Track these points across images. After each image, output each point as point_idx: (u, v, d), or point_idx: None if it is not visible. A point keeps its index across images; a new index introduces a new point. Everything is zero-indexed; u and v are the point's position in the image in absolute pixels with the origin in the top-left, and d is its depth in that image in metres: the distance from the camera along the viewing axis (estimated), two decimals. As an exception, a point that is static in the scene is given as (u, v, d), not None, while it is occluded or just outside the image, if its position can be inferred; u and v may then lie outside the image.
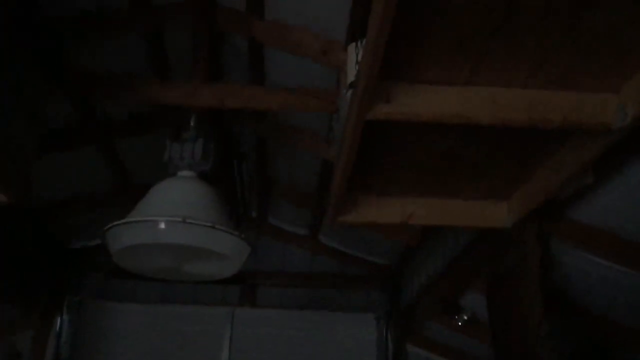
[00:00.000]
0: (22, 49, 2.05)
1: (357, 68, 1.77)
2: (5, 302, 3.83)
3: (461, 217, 2.28)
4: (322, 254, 4.62)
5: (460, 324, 3.50)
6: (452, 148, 1.93)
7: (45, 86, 2.26)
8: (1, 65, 1.67)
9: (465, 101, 1.64)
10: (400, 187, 2.27)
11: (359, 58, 1.79)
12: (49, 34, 2.35)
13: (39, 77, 2.23)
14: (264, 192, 4.22)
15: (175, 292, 4.44)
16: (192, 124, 2.50)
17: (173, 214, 2.15)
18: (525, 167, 2.06)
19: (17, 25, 1.95)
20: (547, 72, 1.58)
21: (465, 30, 1.41)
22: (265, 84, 2.97)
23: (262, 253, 4.48)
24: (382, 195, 2.34)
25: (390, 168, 2.13)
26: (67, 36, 2.43)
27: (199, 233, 2.12)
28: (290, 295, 4.60)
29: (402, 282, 4.21)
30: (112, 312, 4.41)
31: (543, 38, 1.45)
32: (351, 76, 1.86)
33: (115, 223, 2.19)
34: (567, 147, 1.88)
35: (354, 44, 1.93)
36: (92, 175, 3.67)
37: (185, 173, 2.43)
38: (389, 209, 2.32)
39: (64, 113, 2.91)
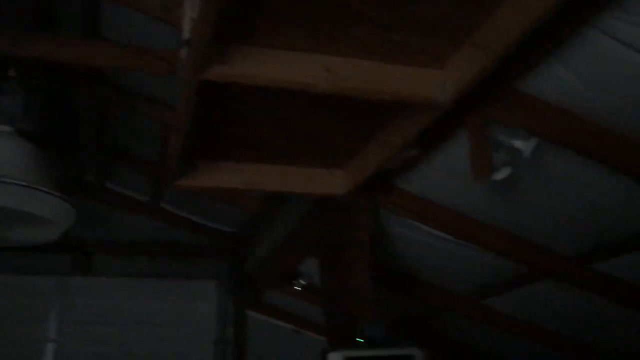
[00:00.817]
0: None
1: (192, 25, 1.70)
2: None
3: (298, 184, 2.32)
4: (165, 221, 4.48)
5: (298, 289, 3.60)
6: (290, 116, 1.94)
7: None
8: None
9: (302, 68, 1.65)
10: (239, 153, 2.25)
11: (194, 15, 1.73)
12: None
13: None
14: (104, 156, 3.98)
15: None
16: (11, 74, 2.26)
17: (-15, 172, 1.95)
18: (359, 139, 2.13)
19: None
20: (382, 46, 1.64)
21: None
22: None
23: (99, 220, 4.24)
24: (222, 161, 2.31)
25: (230, 134, 2.10)
26: None
27: (14, 193, 1.93)
28: (130, 264, 4.41)
29: (245, 250, 4.22)
30: None
31: (378, 12, 1.48)
32: (187, 33, 1.79)
33: None
34: (397, 121, 1.97)
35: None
36: None
37: (3, 128, 2.20)
38: (229, 175, 2.29)
39: None
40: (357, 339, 2.05)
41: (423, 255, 2.92)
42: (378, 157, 2.10)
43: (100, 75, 3.13)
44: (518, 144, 1.82)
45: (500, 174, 1.83)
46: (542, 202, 2.17)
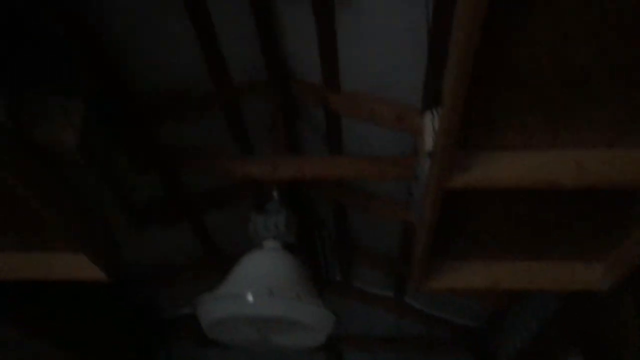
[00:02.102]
0: (107, 134, 2.21)
1: (434, 137, 1.79)
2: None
3: (550, 281, 2.20)
4: (408, 316, 4.53)
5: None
6: (536, 212, 1.89)
7: (132, 166, 2.41)
8: (89, 153, 1.81)
9: (546, 165, 1.62)
10: (484, 251, 2.23)
11: (436, 126, 1.82)
12: (135, 115, 2.52)
13: (125, 158, 2.40)
14: (346, 256, 4.23)
15: (261, 358, 4.45)
16: (274, 196, 2.58)
17: (260, 286, 2.20)
18: (619, 229, 1.97)
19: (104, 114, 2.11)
20: (633, 130, 1.54)
21: (544, 94, 1.41)
22: (342, 154, 3.03)
23: (347, 317, 4.44)
24: (467, 260, 2.31)
25: (473, 233, 2.11)
26: (152, 116, 2.60)
27: (286, 305, 2.15)
28: (377, 359, 4.51)
29: (492, 345, 4.04)
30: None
31: (628, 93, 1.41)
32: (429, 145, 1.89)
33: (205, 296, 2.27)
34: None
35: (429, 112, 1.96)
36: (180, 248, 3.82)
37: (269, 244, 2.49)
38: (475, 274, 2.28)
39: (152, 190, 3.08)
40: None
41: None
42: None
43: (338, 181, 3.39)
44: None
45: None
46: None
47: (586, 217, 1.92)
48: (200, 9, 2.14)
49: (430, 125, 1.86)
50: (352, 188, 3.42)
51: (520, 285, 2.24)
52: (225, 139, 2.96)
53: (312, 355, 4.44)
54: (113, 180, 2.42)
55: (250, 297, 2.18)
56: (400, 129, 2.62)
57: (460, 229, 2.09)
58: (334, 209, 3.75)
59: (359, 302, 4.63)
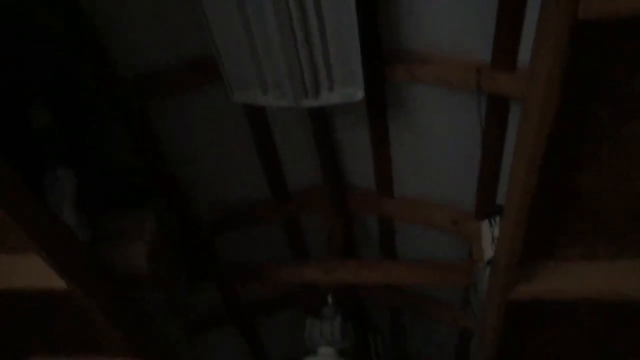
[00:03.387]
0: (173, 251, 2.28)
1: (494, 247, 1.78)
2: None
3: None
4: None
5: None
6: (605, 326, 1.82)
7: (193, 284, 2.46)
8: (157, 276, 1.87)
9: (613, 275, 1.58)
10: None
11: (495, 235, 1.82)
12: (196, 232, 2.61)
13: (187, 272, 2.45)
14: (401, 362, 4.09)
15: None
16: (330, 301, 2.57)
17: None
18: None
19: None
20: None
21: (606, 213, 1.41)
22: (397, 258, 3.02)
23: None
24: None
25: (538, 344, 2.03)
26: (212, 230, 2.68)
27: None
28: None
29: None
30: None
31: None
32: (488, 253, 1.88)
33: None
34: None
35: (487, 220, 1.96)
36: (234, 355, 3.79)
37: (325, 350, 2.46)
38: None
39: (210, 299, 3.12)
40: None
41: None
42: None
43: (393, 287, 3.35)
44: None
45: None
46: None
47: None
48: (261, 123, 2.25)
49: (488, 234, 1.86)
50: (408, 292, 3.37)
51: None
52: (283, 250, 3.01)
53: None
54: (174, 291, 2.46)
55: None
56: (455, 233, 2.61)
57: (524, 344, 2.02)
58: (390, 314, 3.69)
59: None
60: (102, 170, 2.02)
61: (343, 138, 2.49)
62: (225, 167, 2.50)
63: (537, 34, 1.06)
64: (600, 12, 0.95)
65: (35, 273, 1.67)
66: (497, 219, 1.82)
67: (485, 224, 1.96)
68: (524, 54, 1.68)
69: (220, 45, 1.65)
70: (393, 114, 2.21)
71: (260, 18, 1.57)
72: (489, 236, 1.87)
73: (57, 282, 1.66)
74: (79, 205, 1.76)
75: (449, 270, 2.52)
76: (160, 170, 2.30)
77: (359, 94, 1.72)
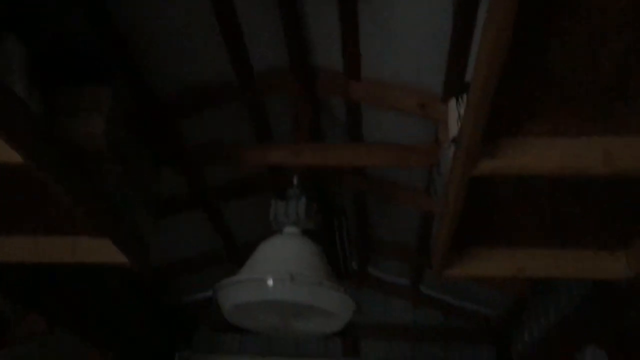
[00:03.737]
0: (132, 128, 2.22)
1: (459, 124, 1.78)
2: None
3: (574, 269, 2.18)
4: (424, 305, 4.53)
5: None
6: (563, 201, 1.87)
7: (155, 161, 2.43)
8: (114, 143, 1.83)
9: (575, 152, 1.60)
10: (508, 239, 2.21)
11: (461, 114, 1.81)
12: (158, 113, 2.54)
13: (149, 154, 2.41)
14: (364, 245, 4.23)
15: (280, 345, 4.49)
16: (295, 182, 2.58)
17: (281, 271, 2.21)
18: (644, 217, 1.95)
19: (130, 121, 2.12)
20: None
21: (574, 88, 1.39)
22: (363, 142, 3.02)
23: (364, 305, 4.43)
24: (490, 248, 2.29)
25: (497, 221, 2.09)
26: (174, 112, 2.61)
27: (307, 290, 2.16)
28: (394, 348, 4.52)
29: (512, 336, 4.03)
30: (218, 364, 4.52)
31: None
32: (453, 131, 1.87)
33: (226, 281, 2.28)
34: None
35: (454, 99, 1.95)
36: (198, 238, 3.85)
37: (290, 230, 2.50)
38: (498, 262, 2.26)
39: (174, 182, 3.10)
40: None
41: None
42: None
43: (358, 170, 3.39)
44: None
45: None
46: None
47: (612, 207, 1.89)
48: (225, 1, 2.14)
49: (455, 112, 1.85)
50: (372, 177, 3.42)
51: (544, 273, 2.22)
52: (247, 132, 2.97)
53: (328, 342, 4.47)
54: (137, 172, 2.43)
55: (270, 282, 2.20)
56: (422, 116, 2.60)
57: (484, 218, 2.08)
58: (354, 198, 3.75)
59: (375, 291, 4.63)
60: (57, 43, 1.92)
61: (310, 18, 2.40)
62: (187, 48, 2.41)
63: None
64: None
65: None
66: (464, 97, 1.80)
67: (452, 103, 1.94)
68: None
69: None
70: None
71: None
72: (455, 114, 1.86)
73: (12, 156, 1.61)
74: (31, 79, 1.68)
75: (413, 151, 2.54)
76: (120, 49, 2.20)
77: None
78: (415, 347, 4.49)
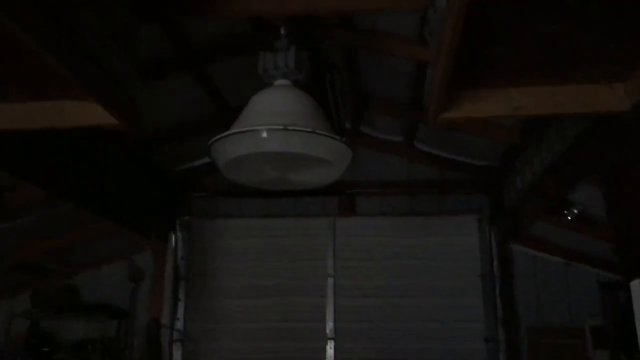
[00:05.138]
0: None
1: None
2: (125, 226, 4.11)
3: (573, 104, 2.14)
4: (419, 160, 4.57)
5: (570, 219, 3.39)
6: (562, 31, 1.78)
7: (133, 17, 2.28)
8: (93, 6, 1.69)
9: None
10: (505, 77, 2.15)
11: None
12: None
13: (126, 10, 2.25)
14: (357, 102, 4.16)
15: (277, 206, 4.58)
16: (282, 32, 2.46)
17: (273, 122, 2.17)
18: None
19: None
20: None
21: None
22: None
23: (358, 163, 4.48)
24: (486, 88, 2.23)
25: (494, 57, 2.01)
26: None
27: (301, 139, 2.13)
28: (390, 203, 4.62)
29: (505, 183, 4.10)
30: (220, 228, 4.64)
31: None
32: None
33: (219, 136, 2.25)
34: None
35: None
36: (190, 103, 3.77)
37: (281, 82, 2.42)
38: (494, 102, 2.21)
39: (157, 44, 2.96)
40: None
41: None
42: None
43: (348, 22, 3.23)
44: None
45: None
46: None
47: (611, 37, 1.82)
48: None
49: None
50: (363, 28, 3.27)
51: (543, 110, 2.18)
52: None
53: (325, 200, 4.55)
54: (116, 27, 2.29)
55: (264, 134, 2.16)
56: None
57: (481, 55, 2.00)
58: (344, 53, 3.63)
59: (369, 149, 4.65)
60: None
61: None
62: None
63: None
64: None
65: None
66: None
67: None
68: None
69: None
70: None
71: None
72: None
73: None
74: None
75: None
76: None
77: None
78: (411, 201, 4.59)
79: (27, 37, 1.69)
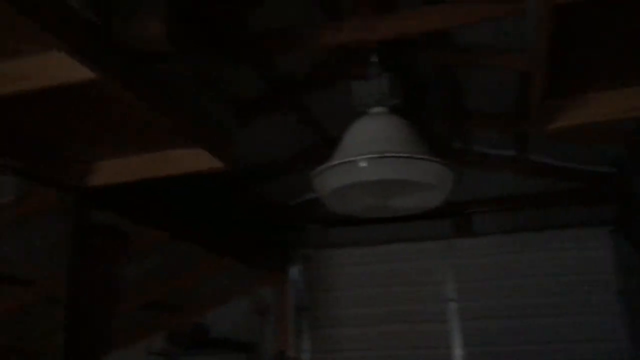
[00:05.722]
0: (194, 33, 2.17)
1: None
2: (244, 261, 4.26)
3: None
4: (533, 172, 4.33)
5: None
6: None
7: (221, 58, 2.38)
8: (177, 42, 1.78)
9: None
10: (607, 79, 2.00)
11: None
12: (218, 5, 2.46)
13: (214, 51, 2.36)
14: (461, 119, 4.05)
15: (392, 231, 4.53)
16: (373, 59, 2.46)
17: (371, 150, 2.16)
18: None
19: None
20: None
21: None
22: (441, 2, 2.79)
23: (471, 181, 4.33)
24: (589, 92, 2.08)
25: (598, 57, 1.88)
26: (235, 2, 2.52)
27: (400, 165, 2.10)
28: (508, 219, 4.42)
29: (633, 188, 3.77)
30: (336, 257, 4.68)
31: None
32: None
33: (319, 169, 2.27)
34: None
35: None
36: (293, 136, 3.86)
37: (376, 110, 2.41)
38: (603, 105, 2.06)
39: (251, 83, 3.08)
40: None
41: None
42: None
43: (442, 40, 3.16)
44: None
45: None
46: None
47: None
48: None
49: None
50: (457, 44, 3.19)
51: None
52: (314, 13, 2.83)
53: (440, 222, 4.44)
54: (210, 75, 2.41)
55: (363, 162, 2.15)
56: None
57: (582, 59, 1.88)
58: (441, 71, 3.55)
59: (480, 165, 4.48)
60: None
61: None
62: None
63: None
64: None
65: (59, 68, 1.64)
66: None
67: None
68: None
69: None
70: None
71: None
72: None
73: (83, 72, 1.63)
74: None
75: (498, 1, 2.30)
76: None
77: None
78: (531, 216, 4.36)
79: (127, 94, 1.82)
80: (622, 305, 3.94)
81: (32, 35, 1.54)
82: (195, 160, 2.40)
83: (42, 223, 2.94)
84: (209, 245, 3.83)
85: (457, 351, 4.21)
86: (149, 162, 2.51)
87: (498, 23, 2.66)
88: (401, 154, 2.10)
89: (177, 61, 1.89)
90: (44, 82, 1.68)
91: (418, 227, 4.46)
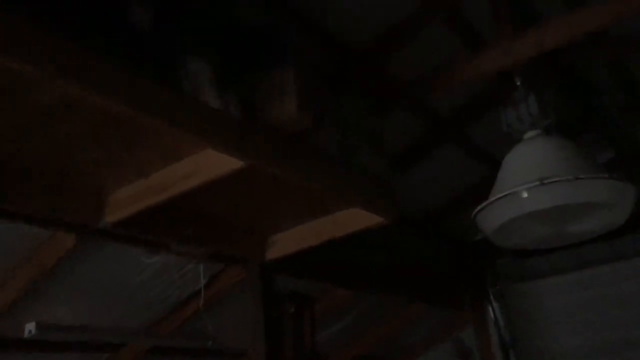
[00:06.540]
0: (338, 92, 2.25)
1: None
2: (436, 305, 4.18)
3: None
4: None
5: None
6: None
7: (373, 111, 2.43)
8: (314, 115, 1.87)
9: None
10: None
11: None
12: (360, 65, 2.54)
13: (368, 113, 2.42)
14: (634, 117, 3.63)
15: (589, 253, 4.14)
16: (517, 82, 2.34)
17: (530, 179, 2.03)
18: None
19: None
20: None
21: None
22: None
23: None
24: None
25: None
26: (375, 54, 2.59)
27: (562, 189, 1.94)
28: None
29: None
30: (533, 288, 4.41)
31: None
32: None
33: (480, 207, 2.19)
34: None
35: None
36: (463, 170, 3.78)
37: (530, 134, 2.28)
38: None
39: (409, 127, 3.10)
40: None
41: None
42: None
43: (597, 38, 2.89)
44: None
45: None
46: None
47: None
48: None
49: None
50: (617, 38, 2.91)
51: None
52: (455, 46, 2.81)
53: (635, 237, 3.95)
54: (361, 131, 2.46)
55: (523, 193, 2.03)
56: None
57: None
58: (608, 70, 3.25)
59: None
60: (233, 39, 1.93)
61: None
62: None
63: None
64: None
65: (213, 164, 1.81)
66: None
67: None
68: None
69: None
70: None
71: None
72: None
73: (233, 163, 1.78)
74: (220, 85, 1.76)
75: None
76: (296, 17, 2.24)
77: None
78: None
79: (285, 173, 1.94)
80: None
81: (187, 139, 1.73)
82: (357, 219, 2.45)
83: (235, 299, 3.20)
84: (395, 293, 3.82)
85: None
86: (318, 228, 2.62)
87: None
88: (563, 178, 1.94)
89: (321, 131, 1.97)
90: (204, 178, 1.86)
91: (619, 245, 4.01)
